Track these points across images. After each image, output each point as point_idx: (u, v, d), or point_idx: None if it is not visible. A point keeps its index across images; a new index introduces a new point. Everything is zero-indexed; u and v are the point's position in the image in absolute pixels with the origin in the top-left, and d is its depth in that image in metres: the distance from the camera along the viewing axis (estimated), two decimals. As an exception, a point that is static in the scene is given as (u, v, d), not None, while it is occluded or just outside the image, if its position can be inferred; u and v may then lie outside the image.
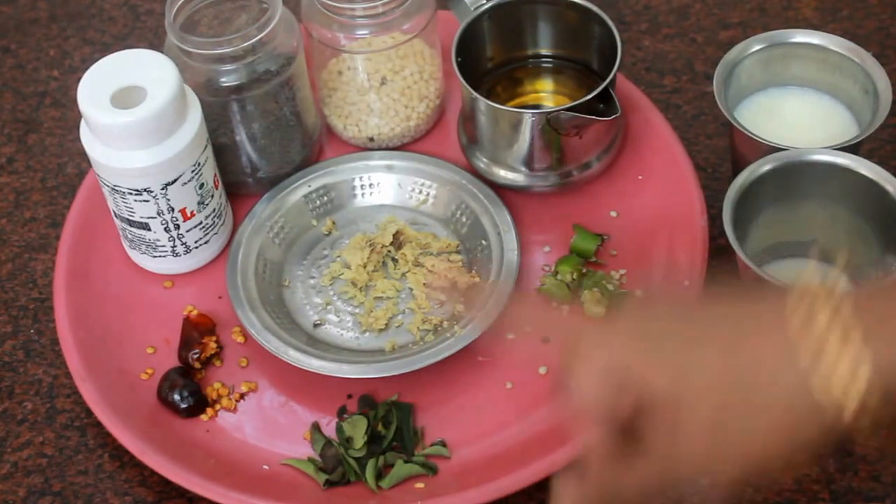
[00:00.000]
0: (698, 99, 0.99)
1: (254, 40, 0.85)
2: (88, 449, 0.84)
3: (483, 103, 0.87)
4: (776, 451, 0.55)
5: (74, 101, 0.82)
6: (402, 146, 0.95)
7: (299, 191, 0.92)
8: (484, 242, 0.88)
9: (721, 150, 0.95)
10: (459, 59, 0.88)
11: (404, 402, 0.82)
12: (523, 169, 0.89)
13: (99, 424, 0.83)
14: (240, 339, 0.87)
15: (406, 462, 0.79)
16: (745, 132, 0.83)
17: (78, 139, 0.84)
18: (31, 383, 0.87)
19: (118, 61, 0.84)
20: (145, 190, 0.83)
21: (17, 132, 1.02)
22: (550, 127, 0.86)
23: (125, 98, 0.81)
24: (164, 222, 0.86)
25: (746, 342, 0.55)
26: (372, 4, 0.88)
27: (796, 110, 0.89)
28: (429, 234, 0.90)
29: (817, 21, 1.02)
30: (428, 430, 0.82)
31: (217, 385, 0.84)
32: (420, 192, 0.92)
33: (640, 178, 0.92)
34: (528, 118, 0.87)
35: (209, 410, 0.83)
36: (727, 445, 0.56)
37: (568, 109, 0.85)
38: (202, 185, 0.86)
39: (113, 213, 0.87)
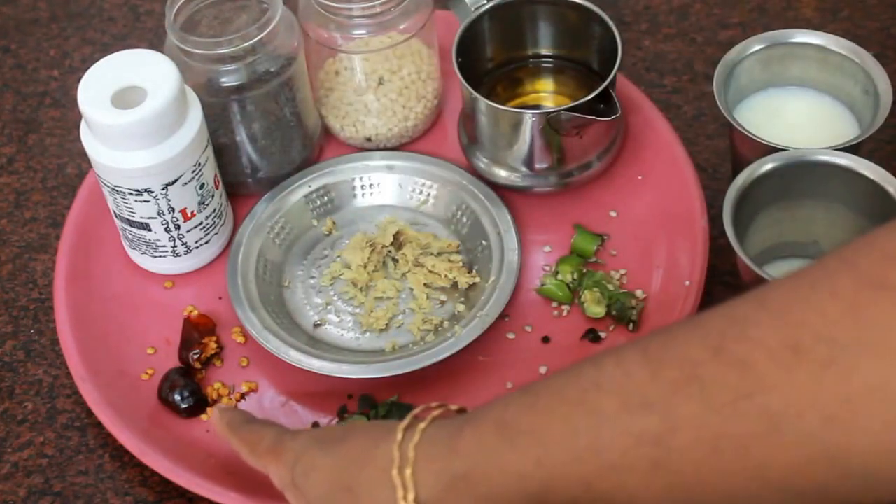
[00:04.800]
0: (698, 99, 0.99)
1: (254, 41, 0.85)
2: (89, 449, 0.84)
3: (483, 103, 0.87)
4: None
5: (74, 101, 0.82)
6: (400, 146, 0.95)
7: (300, 191, 0.92)
8: (484, 242, 0.88)
9: (721, 150, 0.95)
10: (460, 60, 0.88)
11: (404, 402, 0.82)
12: (523, 169, 0.89)
13: (99, 425, 0.83)
14: (240, 339, 0.87)
15: (406, 462, 0.79)
16: (745, 132, 0.83)
17: (78, 139, 0.84)
18: (31, 384, 0.87)
19: (118, 61, 0.83)
20: (146, 190, 0.83)
21: (17, 132, 1.02)
22: (551, 127, 0.86)
23: (125, 98, 0.81)
24: (164, 222, 0.86)
25: (354, 469, 0.63)
26: (369, 4, 0.88)
27: (796, 110, 0.89)
28: (429, 234, 0.90)
29: (817, 21, 1.02)
30: (428, 430, 0.82)
31: (217, 385, 0.84)
32: (420, 192, 0.92)
33: (640, 178, 0.92)
34: (528, 118, 0.87)
35: (209, 410, 0.83)
36: None
37: (568, 110, 0.85)
38: (202, 185, 0.86)
39: (113, 214, 0.87)
